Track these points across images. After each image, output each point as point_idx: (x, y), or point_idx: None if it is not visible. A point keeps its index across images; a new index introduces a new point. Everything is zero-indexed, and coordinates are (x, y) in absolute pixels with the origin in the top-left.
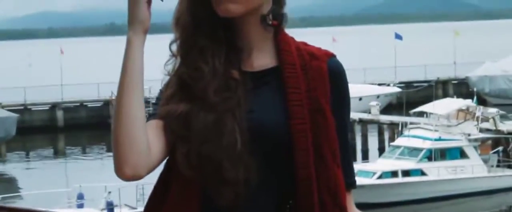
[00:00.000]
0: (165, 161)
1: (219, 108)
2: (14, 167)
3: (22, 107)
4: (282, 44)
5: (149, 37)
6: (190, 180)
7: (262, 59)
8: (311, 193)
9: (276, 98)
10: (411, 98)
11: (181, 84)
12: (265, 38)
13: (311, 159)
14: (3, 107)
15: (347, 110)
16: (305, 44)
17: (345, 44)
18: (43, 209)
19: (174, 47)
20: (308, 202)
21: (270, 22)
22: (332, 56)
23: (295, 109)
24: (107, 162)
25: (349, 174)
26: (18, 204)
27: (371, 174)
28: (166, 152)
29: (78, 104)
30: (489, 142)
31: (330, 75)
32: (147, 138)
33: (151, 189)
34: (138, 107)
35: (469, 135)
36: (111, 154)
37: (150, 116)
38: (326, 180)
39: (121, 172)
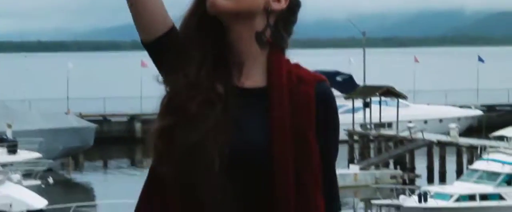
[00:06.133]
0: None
1: (200, 126)
2: (91, 177)
3: (101, 118)
4: (273, 65)
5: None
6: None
7: (253, 77)
8: None
9: (260, 120)
10: (493, 121)
11: (169, 98)
12: (259, 56)
13: (291, 186)
14: (82, 116)
15: (333, 136)
16: (298, 66)
17: (427, 65)
18: None
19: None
20: None
21: (265, 40)
22: (322, 80)
23: (278, 135)
24: None
25: (333, 203)
26: None
27: (448, 197)
28: None
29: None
30: None
31: (317, 101)
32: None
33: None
34: None
35: None
36: None
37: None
38: (306, 209)
39: None
